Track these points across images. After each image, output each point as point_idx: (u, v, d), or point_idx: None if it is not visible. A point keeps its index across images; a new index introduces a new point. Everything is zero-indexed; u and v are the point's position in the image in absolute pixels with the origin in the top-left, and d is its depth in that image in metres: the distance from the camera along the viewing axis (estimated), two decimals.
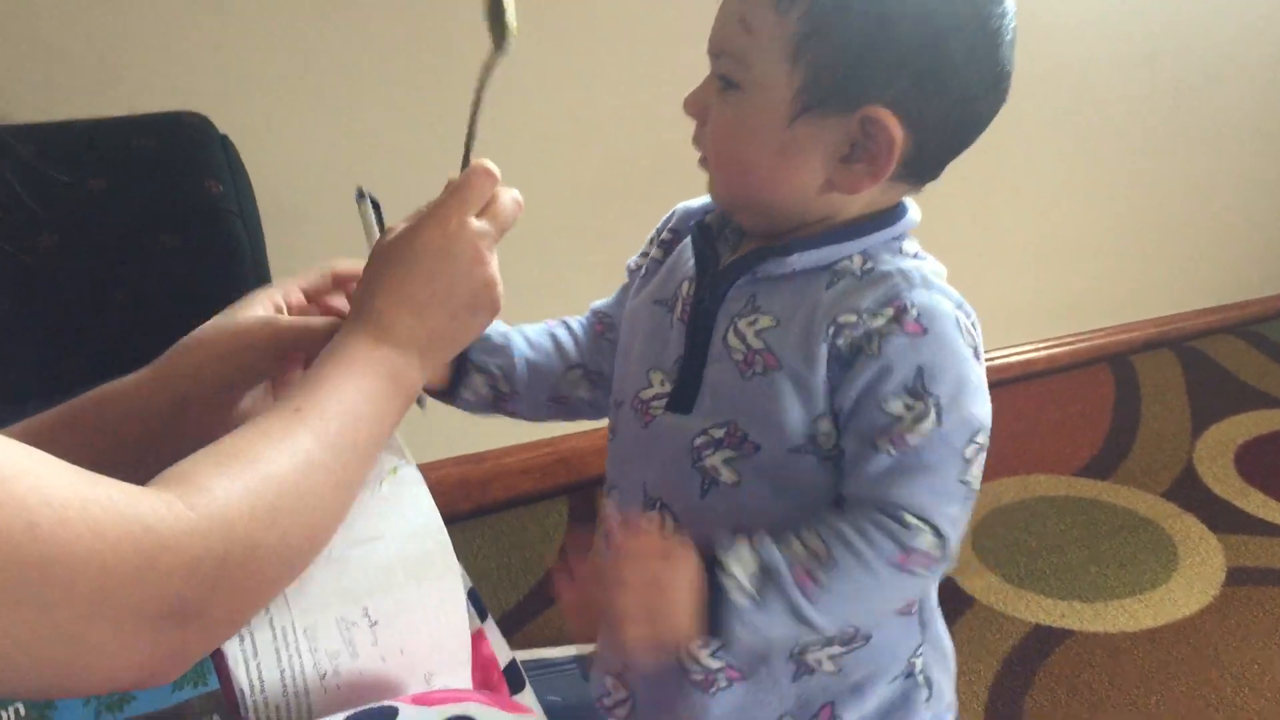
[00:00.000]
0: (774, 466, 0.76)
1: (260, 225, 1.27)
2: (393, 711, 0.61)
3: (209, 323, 0.78)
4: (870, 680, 0.83)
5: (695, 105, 0.76)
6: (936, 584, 0.83)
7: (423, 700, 0.63)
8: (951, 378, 0.72)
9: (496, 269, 0.74)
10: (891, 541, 0.72)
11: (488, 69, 0.76)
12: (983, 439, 0.74)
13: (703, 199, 0.88)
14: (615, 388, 0.87)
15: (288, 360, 0.77)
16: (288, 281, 0.84)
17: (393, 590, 0.70)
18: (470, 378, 0.88)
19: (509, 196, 0.76)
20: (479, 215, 0.74)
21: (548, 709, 0.82)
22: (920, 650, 0.85)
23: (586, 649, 1.54)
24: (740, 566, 0.71)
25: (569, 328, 0.94)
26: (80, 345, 1.20)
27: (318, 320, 0.78)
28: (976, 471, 0.75)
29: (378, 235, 0.81)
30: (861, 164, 0.73)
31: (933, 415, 0.71)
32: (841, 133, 0.72)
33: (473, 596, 0.79)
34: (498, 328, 0.90)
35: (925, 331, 0.72)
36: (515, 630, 1.57)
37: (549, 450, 1.82)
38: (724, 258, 0.81)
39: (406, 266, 0.71)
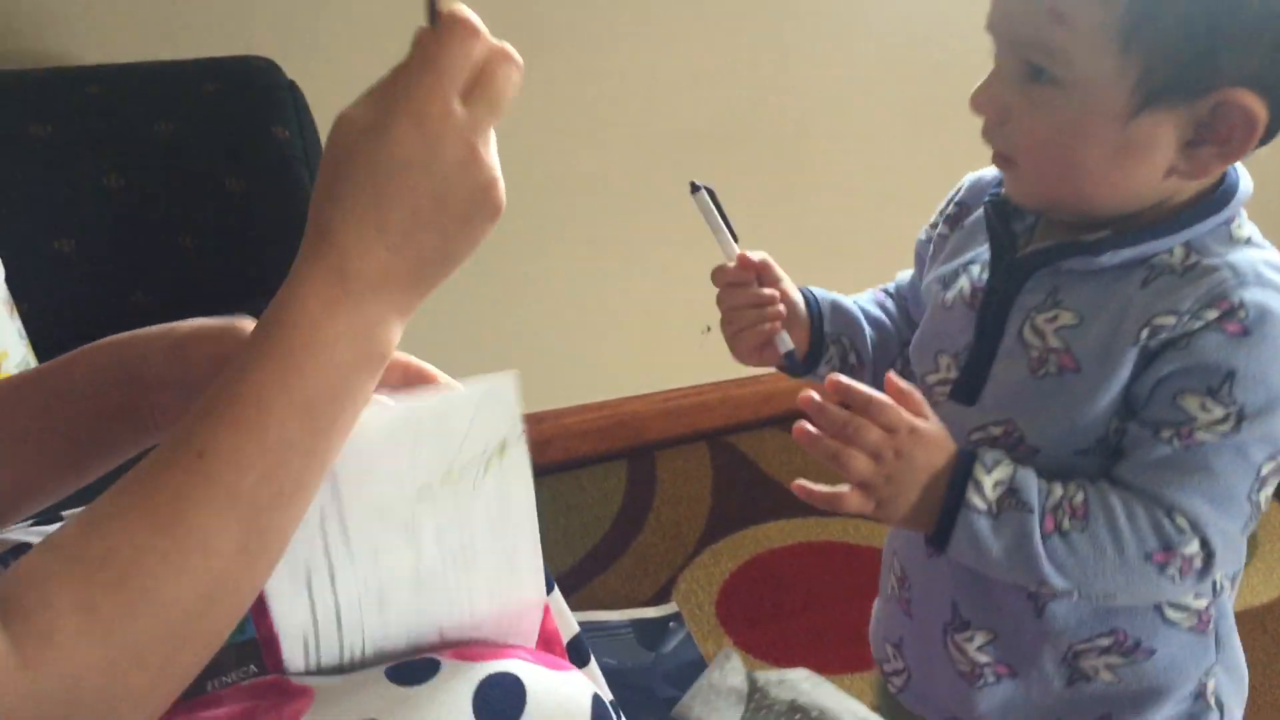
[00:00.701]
0: (1053, 468, 0.71)
1: None
2: (434, 665, 0.60)
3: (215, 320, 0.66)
4: (1154, 696, 0.78)
5: (993, 105, 0.69)
6: (1232, 599, 0.79)
7: (465, 655, 0.61)
8: (1266, 389, 0.65)
9: (495, 160, 0.56)
10: (1156, 537, 0.67)
11: None
12: None
13: (990, 170, 0.81)
14: (911, 364, 0.84)
15: None
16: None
17: (474, 614, 0.65)
18: (828, 350, 0.86)
19: (500, 59, 0.55)
20: (465, 95, 0.54)
21: (603, 671, 0.80)
22: (1213, 670, 0.79)
23: (642, 613, 1.53)
24: (991, 477, 0.69)
25: (895, 302, 0.92)
26: (147, 287, 1.21)
27: None
28: (1268, 493, 0.69)
29: (725, 227, 0.82)
30: (1210, 147, 0.66)
31: (1231, 422, 0.66)
32: (1187, 119, 0.65)
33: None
34: (839, 298, 0.88)
35: (1247, 333, 0.65)
36: (571, 593, 1.55)
37: (609, 412, 1.81)
38: (1021, 243, 0.75)
39: (377, 180, 0.52)
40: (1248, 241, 0.70)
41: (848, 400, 0.71)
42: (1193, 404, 0.66)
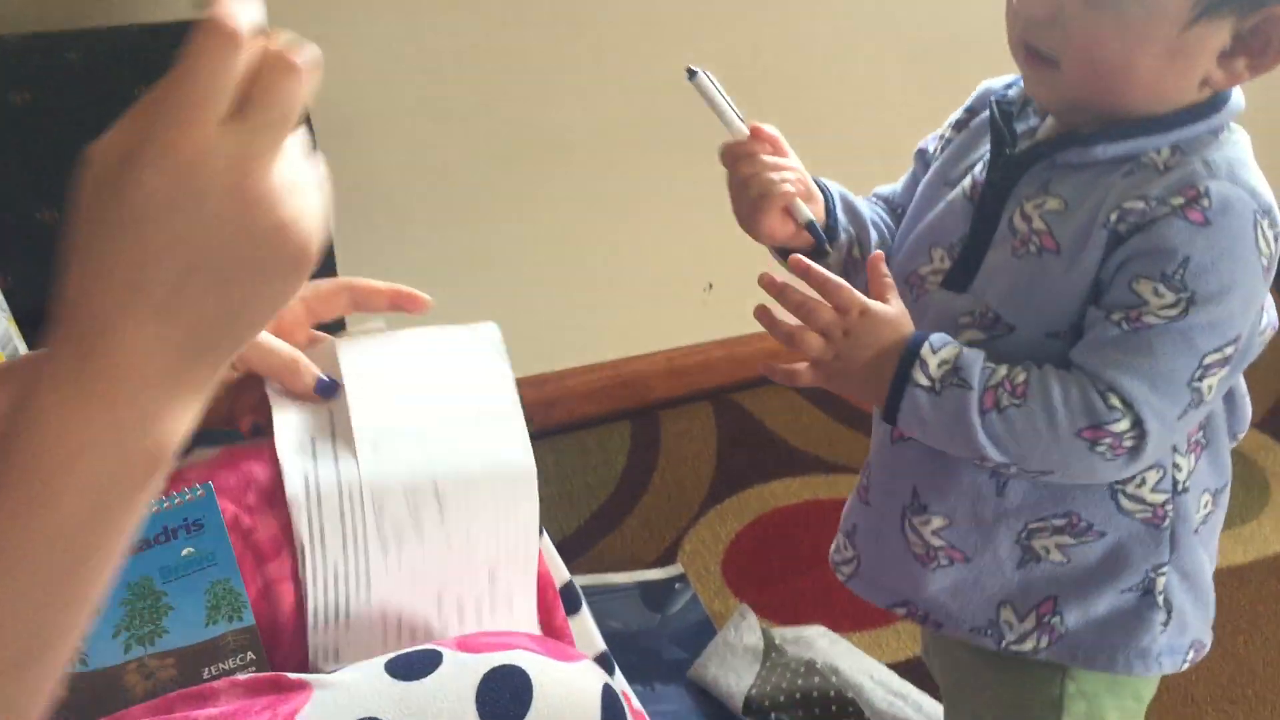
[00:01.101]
0: (1026, 350, 0.75)
1: (314, 137, 1.23)
2: (436, 657, 0.58)
3: None
4: (1099, 579, 0.81)
5: (1047, 7, 0.71)
6: (1215, 519, 0.83)
7: (468, 646, 0.59)
8: (1218, 278, 0.69)
9: (292, 194, 0.41)
10: (1086, 415, 0.71)
11: None
12: (1232, 351, 0.71)
13: (1008, 77, 0.84)
14: (891, 262, 0.84)
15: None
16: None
17: (466, 473, 0.67)
18: (840, 236, 0.86)
19: (275, 67, 0.41)
20: (235, 115, 0.40)
21: (608, 635, 0.80)
22: (1164, 569, 0.81)
23: (647, 575, 1.52)
24: (937, 356, 0.73)
25: (884, 205, 0.93)
26: None
27: (284, 346, 0.68)
28: (1212, 383, 0.71)
29: (729, 108, 0.82)
30: (1243, 59, 0.70)
31: (1180, 307, 0.69)
32: (1230, 30, 0.69)
33: None
34: (846, 192, 0.89)
35: (1207, 223, 0.69)
36: (576, 555, 1.55)
37: (611, 373, 1.79)
38: (1021, 140, 0.79)
39: (133, 230, 0.39)
40: (1233, 149, 0.74)
41: (806, 279, 0.77)
42: (1145, 288, 0.70)
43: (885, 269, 0.78)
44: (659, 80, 1.63)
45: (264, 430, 0.69)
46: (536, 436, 0.73)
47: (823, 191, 0.87)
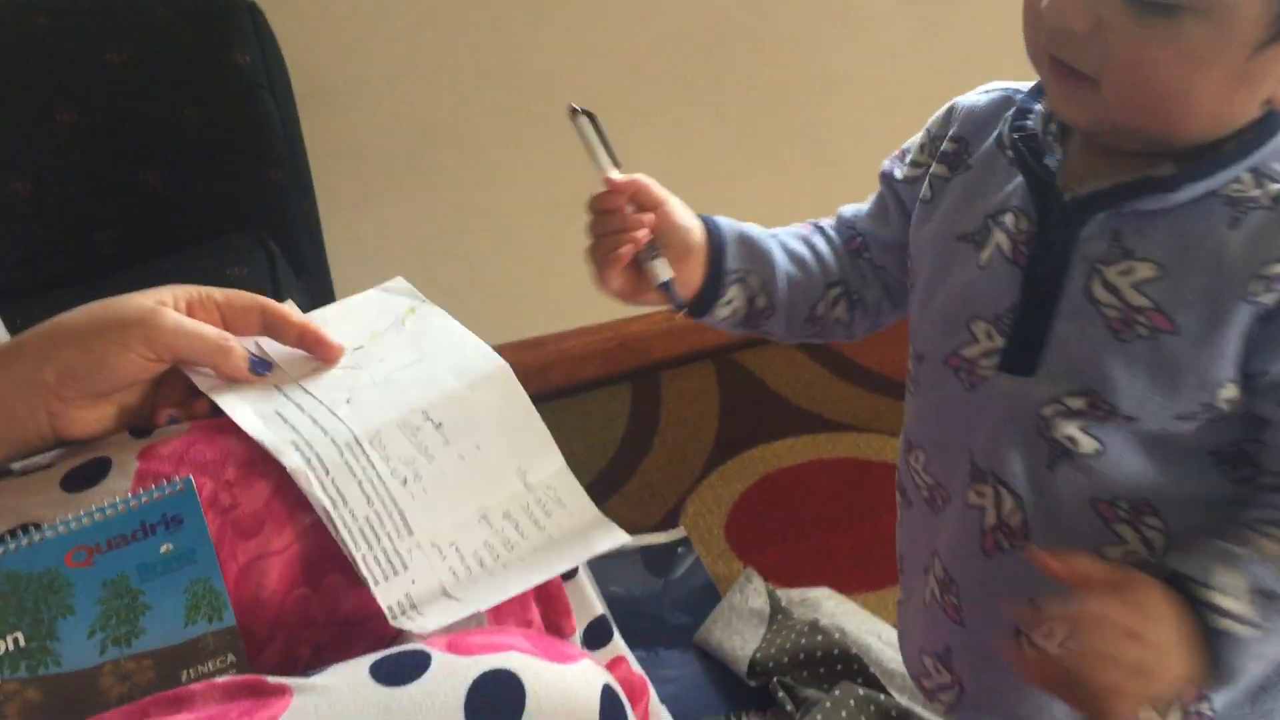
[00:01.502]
0: (1150, 434, 0.65)
1: (294, 101, 1.20)
2: (424, 659, 0.55)
3: (83, 306, 0.65)
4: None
5: (1086, 13, 0.60)
6: None
7: (459, 647, 0.56)
8: None
9: None
10: None
11: None
12: None
13: (981, 94, 0.75)
14: (916, 337, 0.76)
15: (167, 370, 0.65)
16: (210, 290, 0.69)
17: (448, 393, 0.67)
18: (726, 290, 0.78)
19: None
20: None
21: (610, 600, 0.77)
22: None
23: (650, 539, 1.50)
24: (1229, 596, 0.61)
25: (826, 237, 0.83)
26: (111, 228, 1.15)
27: (210, 329, 0.66)
28: None
29: (604, 151, 0.76)
30: None
31: None
32: None
33: None
34: (751, 230, 0.80)
35: None
36: None
37: (610, 334, 1.75)
38: (1064, 180, 0.67)
39: None
40: None
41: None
42: None
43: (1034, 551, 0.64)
44: (650, 38, 1.59)
45: (179, 421, 0.67)
46: (535, 400, 0.72)
47: (712, 235, 0.78)
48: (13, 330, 0.91)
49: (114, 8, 1.15)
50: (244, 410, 0.65)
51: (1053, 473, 0.67)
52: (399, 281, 0.78)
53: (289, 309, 0.70)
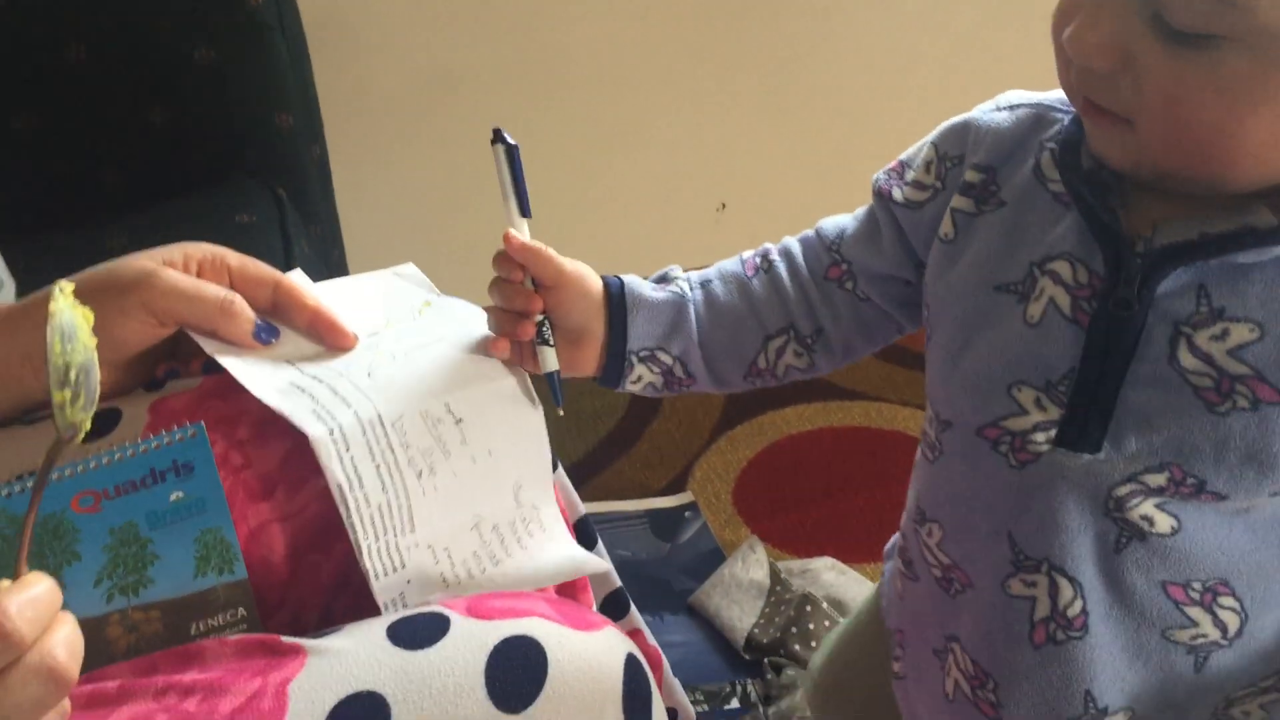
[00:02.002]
0: (1238, 510, 0.59)
1: (304, 41, 1.16)
2: (443, 622, 0.53)
3: (87, 270, 0.62)
4: None
5: (1112, 52, 0.53)
6: None
7: (479, 611, 0.55)
8: None
9: None
10: None
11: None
12: None
13: (1003, 112, 0.66)
14: (938, 401, 0.67)
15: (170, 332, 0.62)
16: (224, 252, 0.66)
17: (467, 386, 0.64)
18: (632, 370, 0.71)
19: (28, 674, 0.41)
20: None
21: (616, 564, 0.75)
22: None
23: (657, 503, 1.48)
24: None
25: (773, 276, 0.73)
26: (118, 167, 1.12)
27: (212, 289, 0.62)
28: None
29: (513, 196, 0.68)
30: None
31: None
32: None
33: None
34: (671, 297, 0.71)
35: None
36: (583, 482, 1.51)
37: None
38: (1129, 225, 0.58)
39: None
40: None
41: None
42: None
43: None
44: None
45: (179, 375, 0.65)
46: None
47: (613, 312, 0.70)
48: (14, 269, 0.89)
49: None
50: (259, 379, 0.62)
51: (1120, 556, 0.61)
52: (411, 268, 0.74)
53: (300, 284, 0.66)
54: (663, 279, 0.74)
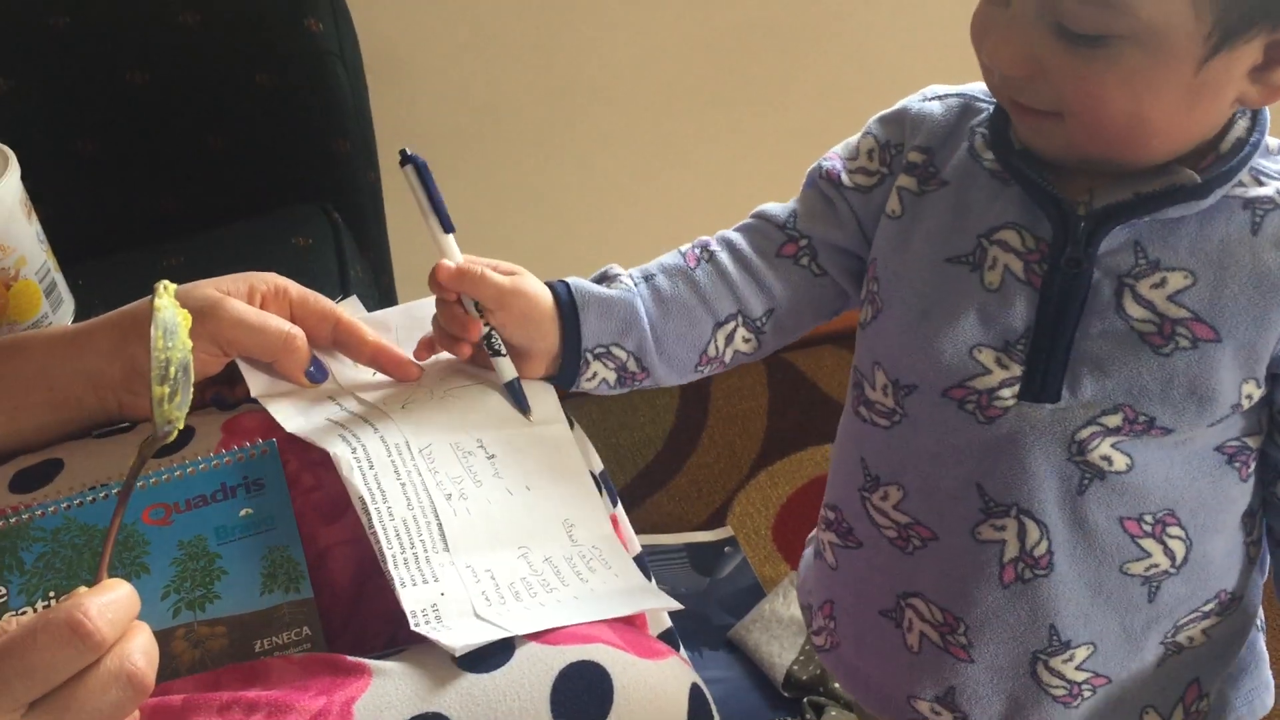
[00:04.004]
0: (1184, 447, 0.65)
1: (363, 71, 1.18)
2: (509, 644, 0.53)
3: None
4: (1234, 642, 0.74)
5: (1025, 63, 0.59)
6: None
7: (544, 637, 0.54)
8: None
9: None
10: None
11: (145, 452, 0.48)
12: None
13: (933, 102, 0.72)
14: (901, 368, 0.70)
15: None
16: (286, 284, 0.66)
17: (503, 427, 0.64)
18: (588, 369, 0.72)
19: (107, 679, 0.42)
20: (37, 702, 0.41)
21: None
22: (1257, 589, 0.76)
23: (696, 537, 1.47)
24: None
25: (716, 263, 0.75)
26: (176, 190, 1.13)
27: (276, 322, 0.63)
28: None
29: (432, 213, 0.67)
30: None
31: None
32: (1261, 45, 0.57)
33: (603, 479, 0.70)
34: (620, 293, 0.72)
35: None
36: None
37: None
38: (1064, 192, 0.63)
39: None
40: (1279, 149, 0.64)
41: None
42: None
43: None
44: (712, 28, 1.56)
45: (225, 400, 0.66)
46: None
47: (566, 316, 0.71)
48: (74, 289, 0.90)
49: None
50: (294, 416, 0.62)
51: (1083, 496, 0.66)
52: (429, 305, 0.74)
53: (358, 318, 0.67)
54: (604, 277, 0.75)
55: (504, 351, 0.68)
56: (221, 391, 0.66)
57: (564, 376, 0.72)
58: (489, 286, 0.67)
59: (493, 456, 0.63)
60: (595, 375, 0.72)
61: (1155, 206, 0.61)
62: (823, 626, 0.83)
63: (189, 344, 0.47)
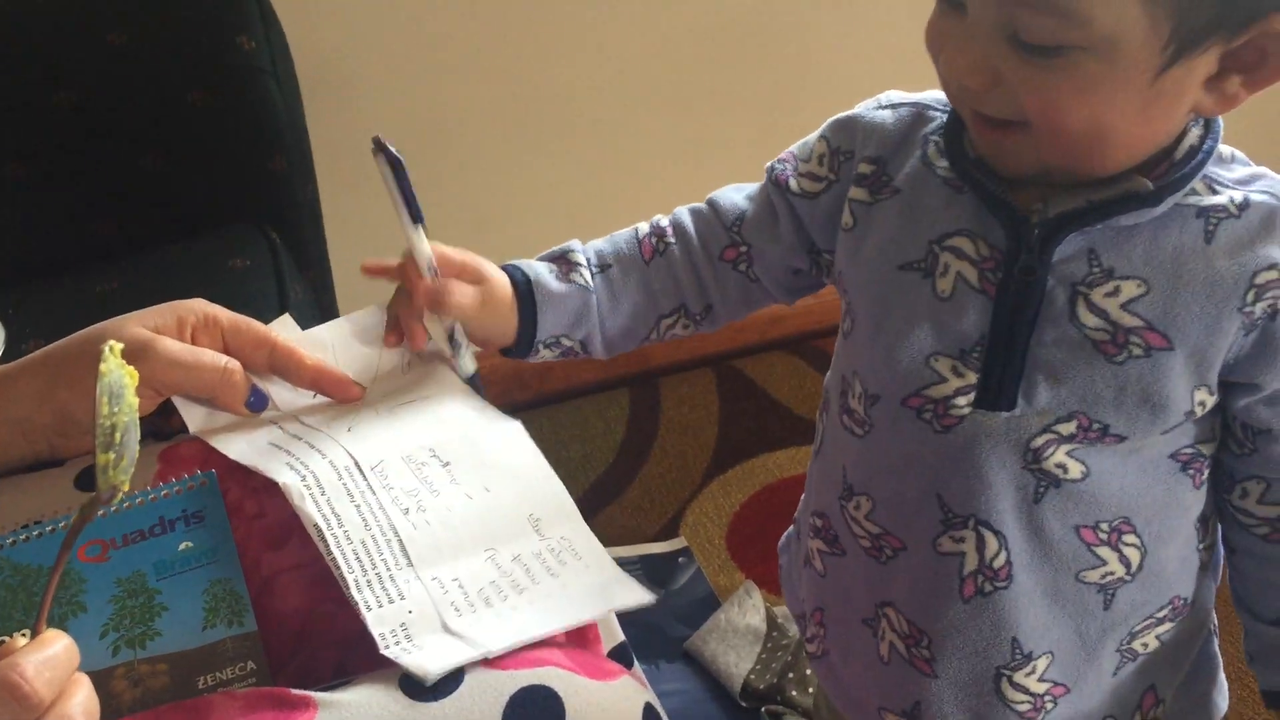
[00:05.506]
0: (1137, 455, 0.65)
1: (298, 87, 1.16)
2: (458, 672, 0.52)
3: (77, 335, 0.62)
4: (1186, 647, 0.74)
5: (982, 73, 0.58)
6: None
7: (493, 661, 0.53)
8: None
9: None
10: None
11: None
12: None
13: (884, 110, 0.72)
14: (865, 377, 0.70)
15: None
16: (216, 312, 0.65)
17: (454, 430, 0.64)
18: (537, 355, 0.75)
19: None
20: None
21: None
22: (1211, 595, 0.76)
23: (650, 549, 1.47)
24: None
25: (668, 256, 0.77)
26: (110, 213, 1.11)
27: (209, 357, 0.61)
28: None
29: (403, 204, 0.67)
30: (1236, 76, 0.58)
31: None
32: (1216, 55, 0.57)
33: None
34: (576, 289, 0.74)
35: None
36: None
37: None
38: (1021, 202, 0.63)
39: None
40: (1234, 157, 0.64)
41: None
42: None
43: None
44: (663, 35, 1.56)
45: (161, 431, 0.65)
46: (533, 405, 0.69)
47: (524, 311, 0.73)
48: (3, 317, 0.87)
49: None
50: (237, 445, 0.61)
51: (1039, 505, 0.66)
52: (376, 313, 0.74)
53: (293, 339, 0.66)
54: (562, 257, 0.77)
55: (466, 344, 0.70)
56: (157, 422, 0.65)
57: (511, 355, 0.75)
58: (461, 310, 0.70)
59: (447, 464, 0.62)
60: (541, 356, 0.76)
61: (1108, 214, 0.61)
62: (815, 634, 0.83)
63: (135, 403, 0.45)
